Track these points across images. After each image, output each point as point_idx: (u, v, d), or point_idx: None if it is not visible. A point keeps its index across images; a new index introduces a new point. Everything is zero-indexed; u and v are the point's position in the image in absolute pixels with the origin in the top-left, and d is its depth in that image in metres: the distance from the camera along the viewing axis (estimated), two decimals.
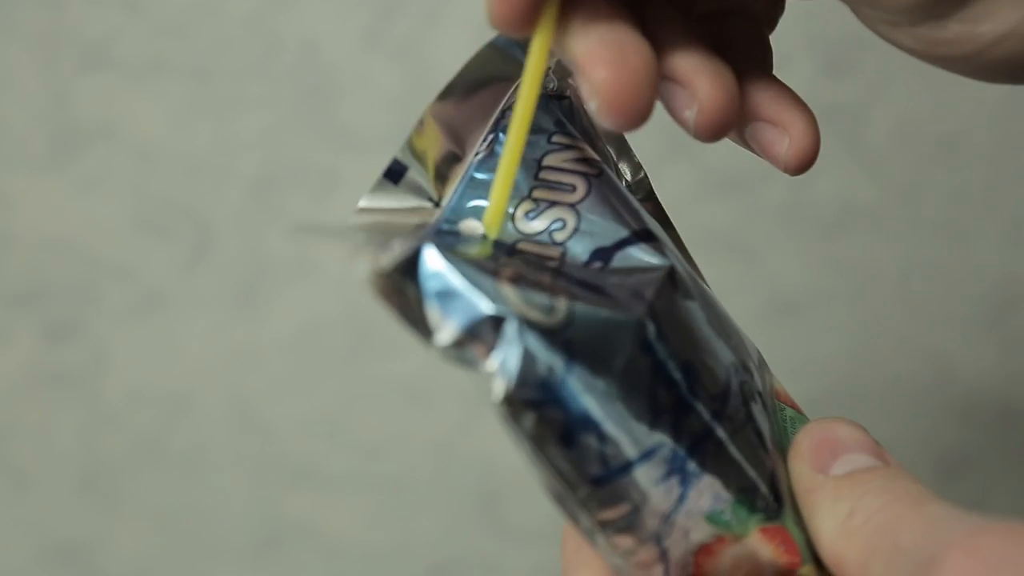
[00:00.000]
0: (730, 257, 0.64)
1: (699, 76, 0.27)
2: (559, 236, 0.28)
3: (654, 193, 0.31)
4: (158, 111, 0.61)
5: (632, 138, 0.62)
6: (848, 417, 0.67)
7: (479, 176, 0.29)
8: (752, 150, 0.30)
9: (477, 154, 0.29)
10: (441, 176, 0.30)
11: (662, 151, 0.62)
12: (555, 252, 0.28)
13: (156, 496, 0.65)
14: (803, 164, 0.30)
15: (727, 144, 0.63)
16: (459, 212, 0.29)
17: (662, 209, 0.31)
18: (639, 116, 0.26)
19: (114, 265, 0.62)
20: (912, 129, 0.63)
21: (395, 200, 0.29)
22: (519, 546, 0.66)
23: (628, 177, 0.31)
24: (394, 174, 0.30)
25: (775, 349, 0.65)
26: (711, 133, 0.28)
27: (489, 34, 0.62)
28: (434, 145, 0.30)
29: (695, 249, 0.64)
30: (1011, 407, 0.67)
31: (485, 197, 0.29)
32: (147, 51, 0.60)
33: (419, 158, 0.30)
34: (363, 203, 0.29)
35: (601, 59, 0.25)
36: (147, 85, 0.61)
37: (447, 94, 0.30)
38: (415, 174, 0.30)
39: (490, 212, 0.28)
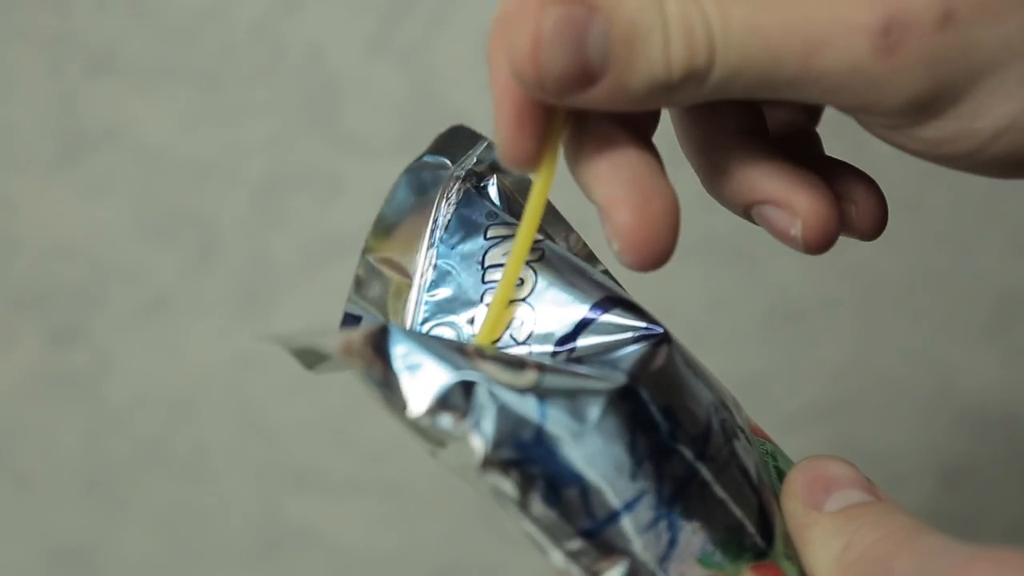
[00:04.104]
0: (733, 265, 0.64)
1: (795, 194, 0.28)
2: (520, 335, 0.28)
3: (595, 256, 0.31)
4: (164, 116, 0.61)
5: None
6: (850, 425, 0.67)
7: (432, 298, 0.29)
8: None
9: (422, 275, 0.30)
10: (396, 309, 0.30)
11: (663, 158, 0.63)
12: (520, 351, 0.28)
13: (159, 500, 0.65)
14: (876, 230, 0.31)
15: None
16: None
17: (607, 271, 0.31)
18: (660, 259, 0.26)
19: (119, 269, 0.62)
20: None
21: None
22: (521, 552, 0.66)
23: (571, 244, 0.31)
24: (349, 327, 0.30)
25: (778, 357, 0.65)
26: (820, 245, 0.29)
27: None
28: (383, 282, 0.30)
29: (699, 257, 0.64)
30: (1013, 416, 0.67)
31: (442, 315, 0.29)
32: (153, 56, 0.61)
33: (370, 300, 0.30)
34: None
35: (624, 203, 0.26)
36: (153, 90, 0.61)
37: (379, 228, 0.30)
38: (371, 317, 0.30)
39: (480, 335, 0.28)
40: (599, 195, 0.26)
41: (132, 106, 0.61)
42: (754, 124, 0.30)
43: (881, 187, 0.65)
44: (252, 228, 0.62)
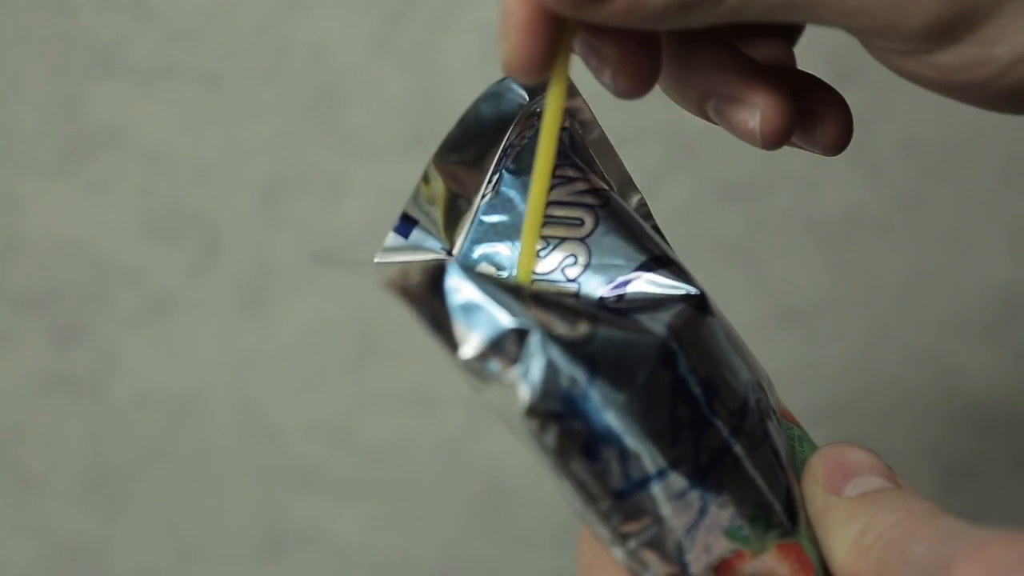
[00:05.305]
0: (735, 265, 0.64)
1: (753, 88, 0.29)
2: (571, 272, 0.28)
3: (653, 218, 0.31)
4: (168, 116, 0.61)
5: (638, 146, 0.62)
6: (853, 425, 0.67)
7: (487, 220, 0.30)
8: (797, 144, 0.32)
9: (483, 196, 0.30)
10: (451, 224, 0.30)
11: (668, 159, 0.63)
12: (570, 289, 0.28)
13: (162, 500, 0.65)
14: (839, 146, 0.31)
15: (733, 152, 0.63)
16: (470, 259, 0.29)
17: (661, 233, 0.31)
18: (650, 84, 0.28)
19: (123, 269, 0.62)
20: (918, 138, 0.64)
21: (407, 255, 0.30)
22: (524, 552, 0.66)
23: (633, 204, 0.31)
24: (404, 228, 0.30)
25: (780, 357, 0.65)
26: (777, 138, 0.29)
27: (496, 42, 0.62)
28: (441, 193, 0.30)
29: (701, 258, 0.64)
30: (1016, 416, 0.67)
31: (495, 240, 0.29)
32: (158, 56, 0.61)
33: (427, 209, 0.30)
34: (377, 259, 0.30)
35: (616, 37, 0.27)
36: (157, 90, 0.61)
37: (448, 142, 0.31)
38: (425, 225, 0.30)
39: (521, 260, 0.28)
40: (595, 35, 0.27)
41: (136, 106, 0.61)
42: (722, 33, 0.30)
43: (882, 186, 0.65)
44: (256, 228, 0.62)
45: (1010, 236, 0.65)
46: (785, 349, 0.65)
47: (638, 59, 0.27)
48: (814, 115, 0.31)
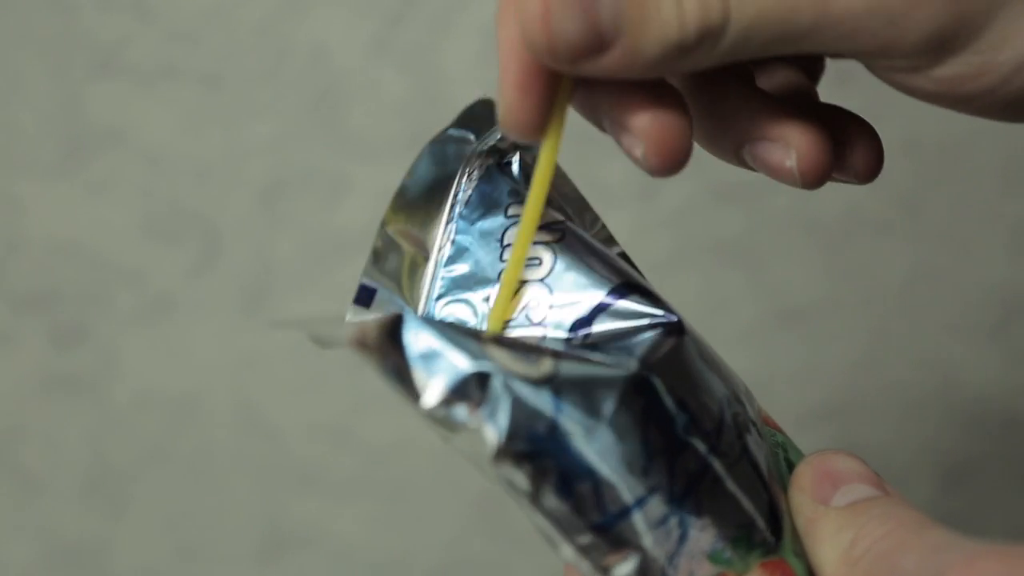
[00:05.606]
0: (735, 265, 0.64)
1: (787, 128, 0.28)
2: (535, 316, 0.28)
3: (614, 239, 0.31)
4: (169, 117, 0.61)
5: None
6: (853, 426, 0.67)
7: (447, 273, 0.29)
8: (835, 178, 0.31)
9: (440, 250, 0.29)
10: (411, 284, 0.30)
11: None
12: (535, 333, 0.28)
13: (162, 500, 0.65)
14: (871, 173, 0.31)
15: None
16: (434, 317, 0.29)
17: (627, 257, 0.31)
18: (683, 162, 0.27)
19: (124, 270, 0.62)
20: (918, 138, 0.64)
21: None
22: (524, 552, 0.66)
23: (593, 229, 0.31)
24: (364, 299, 0.30)
25: (780, 358, 0.65)
26: (816, 176, 0.29)
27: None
28: (399, 255, 0.30)
29: (701, 258, 0.64)
30: (1015, 416, 0.67)
31: (457, 291, 0.29)
32: (158, 57, 0.61)
33: (386, 273, 0.30)
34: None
35: (642, 107, 0.26)
36: (158, 91, 0.61)
37: (399, 201, 0.30)
38: (386, 291, 0.30)
39: (493, 312, 0.28)
40: (613, 106, 0.26)
41: (136, 107, 0.61)
42: (742, 69, 0.30)
43: (882, 186, 0.65)
44: (256, 229, 0.62)
45: (1010, 236, 0.65)
46: (785, 349, 0.65)
47: (667, 126, 0.26)
48: (843, 144, 0.30)
